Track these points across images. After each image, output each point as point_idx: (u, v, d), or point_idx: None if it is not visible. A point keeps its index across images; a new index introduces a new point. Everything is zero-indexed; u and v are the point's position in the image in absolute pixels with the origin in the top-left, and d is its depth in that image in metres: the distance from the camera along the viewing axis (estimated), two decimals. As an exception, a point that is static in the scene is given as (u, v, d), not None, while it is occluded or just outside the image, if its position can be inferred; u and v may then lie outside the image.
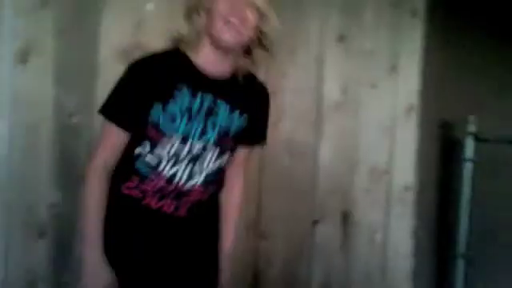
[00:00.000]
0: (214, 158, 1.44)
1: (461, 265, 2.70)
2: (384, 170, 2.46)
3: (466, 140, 2.66)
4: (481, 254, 2.77)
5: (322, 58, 2.32)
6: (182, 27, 1.44)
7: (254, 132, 1.54)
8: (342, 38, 2.34)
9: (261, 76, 2.13)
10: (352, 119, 2.38)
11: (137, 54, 1.92)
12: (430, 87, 2.67)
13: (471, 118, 2.65)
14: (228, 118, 1.44)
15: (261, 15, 1.39)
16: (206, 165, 1.43)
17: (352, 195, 2.41)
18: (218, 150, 1.44)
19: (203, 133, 1.41)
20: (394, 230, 2.50)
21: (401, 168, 2.49)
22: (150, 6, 1.97)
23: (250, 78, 1.50)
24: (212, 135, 1.42)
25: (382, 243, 2.49)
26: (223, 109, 1.43)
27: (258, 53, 1.45)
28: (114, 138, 1.40)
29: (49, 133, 1.90)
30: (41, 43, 1.87)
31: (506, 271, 2.74)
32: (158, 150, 1.39)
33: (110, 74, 1.93)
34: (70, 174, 1.92)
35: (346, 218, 2.41)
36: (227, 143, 1.46)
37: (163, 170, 1.39)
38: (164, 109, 1.37)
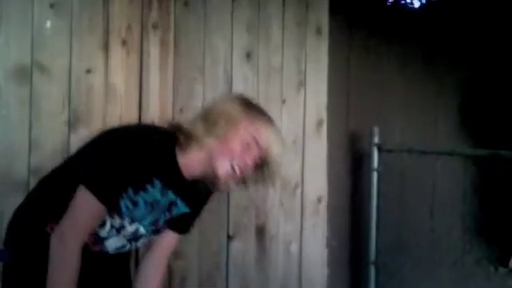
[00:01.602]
0: (147, 239, 1.50)
1: (372, 272, 2.82)
2: (296, 182, 2.52)
3: (371, 151, 2.79)
4: (391, 260, 2.90)
5: (231, 75, 2.35)
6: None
7: (187, 223, 1.57)
8: (249, 56, 2.40)
9: (169, 94, 2.18)
10: (262, 134, 2.43)
11: (35, 73, 1.90)
12: (337, 101, 2.80)
13: (375, 129, 2.79)
14: (179, 211, 1.48)
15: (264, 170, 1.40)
16: (138, 244, 1.49)
17: (266, 209, 2.45)
18: (153, 235, 1.50)
19: (154, 223, 1.46)
20: (308, 241, 2.57)
21: (312, 180, 2.57)
22: (49, 24, 1.91)
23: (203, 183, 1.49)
24: (159, 225, 1.47)
25: (297, 255, 2.54)
26: (181, 206, 1.47)
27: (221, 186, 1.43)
28: (96, 213, 1.35)
29: None
30: None
31: (412, 275, 2.89)
32: (107, 218, 1.39)
33: (4, 94, 1.86)
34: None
35: (260, 232, 2.44)
36: (163, 229, 1.51)
37: (99, 231, 1.39)
38: (133, 195, 1.37)
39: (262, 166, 1.39)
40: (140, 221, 1.43)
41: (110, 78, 2.04)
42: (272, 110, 2.45)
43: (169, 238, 1.56)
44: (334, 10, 2.65)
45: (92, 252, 1.42)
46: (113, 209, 1.37)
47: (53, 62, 1.93)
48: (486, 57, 3.65)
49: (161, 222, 1.48)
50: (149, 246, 1.58)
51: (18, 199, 1.86)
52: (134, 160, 1.32)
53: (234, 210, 2.37)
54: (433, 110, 3.49)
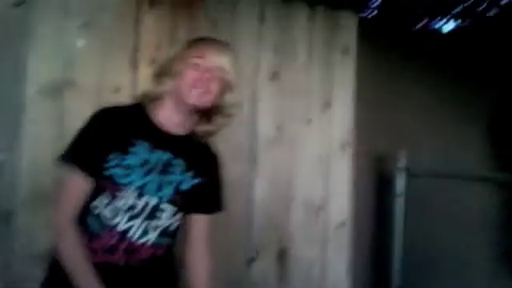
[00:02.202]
0: (169, 216, 1.44)
1: (396, 299, 2.74)
2: (319, 205, 2.48)
3: (397, 175, 2.73)
4: (415, 284, 2.81)
5: (256, 95, 2.34)
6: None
7: (211, 200, 1.56)
8: (275, 76, 2.38)
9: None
10: (287, 155, 2.40)
11: (68, 91, 1.92)
12: (364, 123, 2.76)
13: (402, 152, 2.73)
14: (182, 176, 1.45)
15: (225, 86, 1.45)
16: (161, 222, 1.42)
17: (288, 231, 2.40)
18: (173, 208, 1.44)
19: (159, 189, 1.41)
20: (331, 265, 2.51)
21: (336, 203, 2.52)
22: (81, 43, 1.93)
23: (205, 146, 1.55)
24: (167, 192, 1.42)
25: (319, 279, 2.48)
26: (179, 167, 1.45)
27: (216, 120, 1.50)
28: (76, 187, 1.37)
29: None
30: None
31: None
32: (115, 203, 1.37)
33: (36, 111, 1.88)
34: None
35: (282, 255, 2.40)
36: (182, 202, 1.46)
37: (117, 224, 1.37)
38: (121, 161, 1.37)
39: (222, 78, 1.44)
40: (143, 189, 1.39)
41: (138, 96, 2.05)
42: (297, 130, 2.44)
43: (199, 224, 1.55)
44: (362, 30, 2.62)
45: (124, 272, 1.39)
46: (109, 183, 1.36)
47: (83, 80, 1.96)
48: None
49: (167, 190, 1.43)
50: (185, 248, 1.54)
51: (48, 215, 1.89)
52: (103, 124, 1.39)
53: (256, 231, 2.33)
54: (461, 133, 3.42)
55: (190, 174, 1.47)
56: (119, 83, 2.02)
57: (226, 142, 2.11)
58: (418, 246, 2.91)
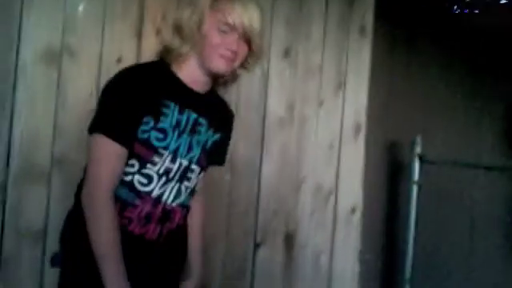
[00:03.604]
0: (197, 175, 1.43)
1: (407, 289, 2.64)
2: (330, 190, 2.37)
3: (412, 162, 2.61)
4: (426, 278, 2.72)
5: (267, 73, 2.23)
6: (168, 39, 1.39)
7: (218, 153, 1.54)
8: (287, 53, 2.27)
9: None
10: (297, 137, 2.29)
11: (66, 59, 1.82)
12: (378, 106, 2.64)
13: (417, 139, 2.62)
14: (206, 134, 1.44)
15: (252, 47, 1.40)
16: (190, 183, 1.42)
17: (296, 216, 2.30)
18: (199, 168, 1.43)
19: (189, 150, 1.39)
20: (339, 252, 2.40)
21: (347, 189, 2.41)
22: (81, 7, 1.82)
23: (223, 102, 1.55)
24: (196, 153, 1.41)
25: (327, 267, 2.38)
26: (204, 126, 1.43)
27: (236, 72, 1.45)
28: (114, 159, 1.28)
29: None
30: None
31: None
32: (147, 169, 1.32)
33: (31, 78, 1.78)
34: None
35: (289, 241, 2.30)
36: (205, 161, 1.45)
37: (152, 190, 1.33)
38: (155, 124, 1.31)
39: (249, 42, 1.38)
40: (177, 152, 1.35)
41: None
42: (308, 111, 2.32)
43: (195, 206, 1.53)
44: (379, 9, 2.49)
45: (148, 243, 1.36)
46: (144, 148, 1.30)
47: (83, 48, 1.85)
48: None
49: (196, 150, 1.41)
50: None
51: (39, 190, 1.80)
52: (133, 87, 1.29)
53: (263, 215, 2.23)
54: (477, 120, 3.29)
55: (211, 131, 1.45)
56: (122, 53, 1.90)
57: (235, 120, 2.02)
58: (429, 237, 2.82)
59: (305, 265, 2.33)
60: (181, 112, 1.36)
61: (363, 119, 2.44)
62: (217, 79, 1.43)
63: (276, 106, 2.25)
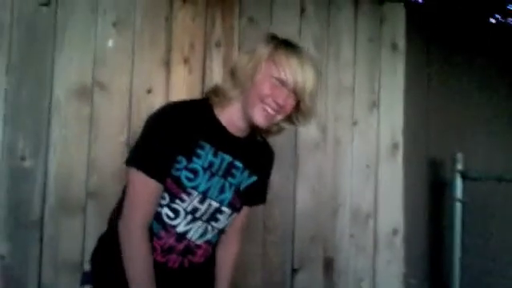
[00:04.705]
0: (227, 217, 1.43)
1: (455, 314, 2.51)
2: (368, 212, 2.30)
3: (454, 179, 2.51)
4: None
5: (298, 94, 2.19)
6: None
7: (258, 193, 1.54)
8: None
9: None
10: (331, 159, 2.24)
11: (97, 93, 1.84)
12: (415, 123, 2.56)
13: (458, 155, 2.51)
14: (241, 177, 1.43)
15: (301, 104, 1.37)
16: (219, 224, 1.42)
17: (334, 241, 2.23)
18: (230, 210, 1.43)
19: (221, 192, 1.39)
20: (382, 277, 2.31)
21: (387, 210, 2.33)
22: (110, 43, 1.85)
23: (262, 143, 1.51)
24: (228, 195, 1.41)
25: (369, 292, 2.30)
26: (239, 169, 1.42)
27: (281, 124, 1.42)
28: (150, 193, 1.32)
29: (-3, 178, 1.75)
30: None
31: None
32: (175, 204, 1.35)
33: (65, 114, 1.81)
34: (20, 222, 1.76)
35: (328, 266, 2.23)
36: (238, 204, 1.45)
37: (178, 225, 1.36)
38: (187, 164, 1.33)
39: (298, 101, 1.35)
40: (207, 193, 1.36)
41: (172, 98, 1.94)
42: (342, 132, 2.27)
43: (243, 211, 1.51)
44: (411, 24, 2.43)
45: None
46: (175, 185, 1.33)
47: (114, 81, 1.88)
48: None
49: (228, 193, 1.40)
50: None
51: (75, 223, 1.81)
52: (171, 126, 1.31)
53: (300, 240, 2.17)
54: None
55: (246, 173, 1.44)
56: (151, 84, 1.92)
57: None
58: (476, 257, 2.68)
59: (346, 291, 2.25)
60: (215, 154, 1.37)
61: (400, 137, 2.36)
62: (258, 129, 1.41)
63: (308, 128, 2.21)
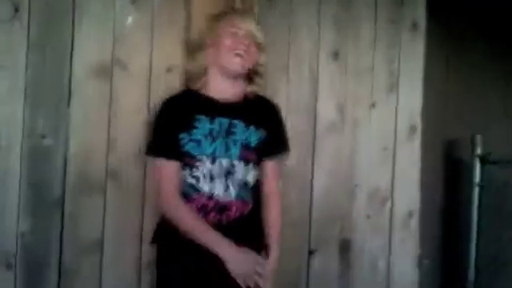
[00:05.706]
0: (242, 170, 1.66)
1: (470, 296, 2.52)
2: (385, 194, 2.29)
3: (473, 163, 2.49)
4: (489, 282, 2.59)
5: (316, 75, 2.18)
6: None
7: (274, 143, 1.77)
8: (336, 55, 2.21)
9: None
10: (349, 140, 2.23)
11: (117, 72, 1.85)
12: (434, 106, 2.53)
13: (478, 138, 2.48)
14: (245, 133, 1.68)
15: (257, 48, 1.71)
16: (236, 177, 1.65)
17: (351, 222, 2.24)
18: (243, 163, 1.66)
19: (227, 150, 1.65)
20: (397, 257, 2.32)
21: (404, 192, 2.32)
22: (130, 20, 1.84)
23: (260, 98, 1.78)
24: (235, 150, 1.66)
25: (384, 272, 2.30)
26: (240, 126, 1.67)
27: (256, 80, 1.75)
28: (170, 170, 1.66)
29: (19, 156, 1.76)
30: (11, 59, 1.75)
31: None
32: (195, 172, 1.64)
33: (84, 92, 1.82)
34: (41, 200, 1.78)
35: (345, 247, 2.24)
36: (250, 156, 1.68)
37: (203, 187, 1.63)
38: (189, 137, 1.64)
39: (256, 41, 1.70)
40: (214, 154, 1.64)
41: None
42: (360, 113, 2.26)
43: (267, 167, 1.76)
44: (431, 4, 2.39)
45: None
46: (187, 158, 1.64)
47: (133, 59, 1.87)
48: None
49: (234, 149, 1.66)
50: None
51: (95, 201, 1.83)
52: (169, 113, 1.69)
53: (316, 222, 2.18)
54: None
55: (252, 129, 1.69)
56: (171, 63, 1.91)
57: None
58: (492, 239, 2.68)
59: (362, 271, 2.26)
60: (212, 121, 1.66)
61: (418, 120, 2.34)
62: (239, 78, 1.70)
63: (326, 109, 2.20)
